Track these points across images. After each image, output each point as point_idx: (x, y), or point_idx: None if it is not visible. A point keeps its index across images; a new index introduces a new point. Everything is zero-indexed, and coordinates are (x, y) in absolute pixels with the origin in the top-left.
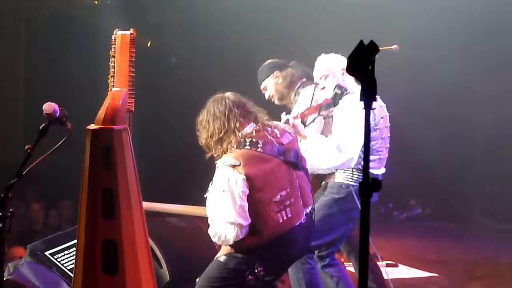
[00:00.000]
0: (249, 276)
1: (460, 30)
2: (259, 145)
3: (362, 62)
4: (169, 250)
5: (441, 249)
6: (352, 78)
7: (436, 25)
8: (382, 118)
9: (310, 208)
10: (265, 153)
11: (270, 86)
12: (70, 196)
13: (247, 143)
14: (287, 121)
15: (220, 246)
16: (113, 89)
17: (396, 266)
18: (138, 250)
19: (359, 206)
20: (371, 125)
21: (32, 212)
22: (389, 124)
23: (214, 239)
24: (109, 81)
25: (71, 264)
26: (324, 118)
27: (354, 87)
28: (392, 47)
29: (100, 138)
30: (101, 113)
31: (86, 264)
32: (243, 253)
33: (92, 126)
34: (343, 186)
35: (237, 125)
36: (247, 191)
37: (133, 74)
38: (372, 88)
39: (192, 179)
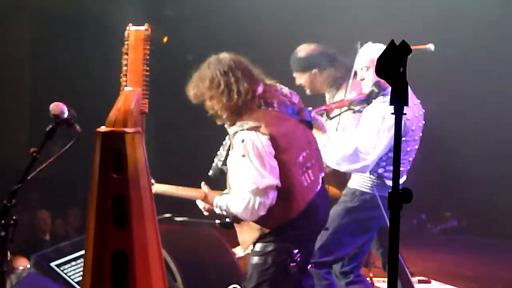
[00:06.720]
0: (290, 264)
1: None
2: (274, 105)
3: (392, 64)
4: (184, 262)
5: (478, 264)
6: None
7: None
8: (412, 130)
9: (323, 173)
10: (281, 112)
11: (305, 80)
12: (78, 203)
13: (262, 104)
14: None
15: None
16: (126, 88)
17: (429, 282)
18: (150, 262)
19: (376, 215)
20: None
21: (37, 220)
22: (423, 123)
23: (240, 210)
24: (121, 80)
25: (79, 276)
26: (354, 112)
27: None
28: (427, 46)
29: (111, 141)
30: (113, 114)
31: (95, 277)
32: (273, 236)
33: (103, 129)
34: (357, 193)
35: (247, 86)
36: (274, 152)
37: (148, 73)
38: (404, 92)
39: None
